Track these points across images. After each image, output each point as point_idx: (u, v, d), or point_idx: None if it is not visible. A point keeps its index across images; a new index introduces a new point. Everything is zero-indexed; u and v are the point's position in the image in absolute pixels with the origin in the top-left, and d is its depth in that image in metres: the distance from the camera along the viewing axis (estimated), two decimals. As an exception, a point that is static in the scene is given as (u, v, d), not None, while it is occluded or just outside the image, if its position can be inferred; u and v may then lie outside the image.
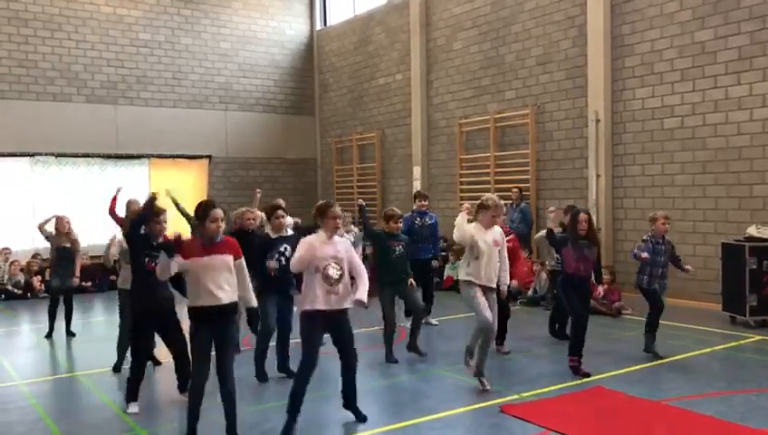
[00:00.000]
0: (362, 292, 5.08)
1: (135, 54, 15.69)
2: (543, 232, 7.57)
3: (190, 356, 5.07)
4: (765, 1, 9.28)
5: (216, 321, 4.77)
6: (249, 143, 17.20)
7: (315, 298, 4.98)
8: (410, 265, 9.05)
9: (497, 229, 6.11)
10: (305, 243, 5.01)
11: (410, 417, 5.37)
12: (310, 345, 5.03)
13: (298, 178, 18.08)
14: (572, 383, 6.24)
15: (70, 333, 9.00)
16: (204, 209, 4.86)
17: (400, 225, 7.52)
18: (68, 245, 8.99)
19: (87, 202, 14.60)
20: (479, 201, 6.09)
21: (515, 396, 5.90)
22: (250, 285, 5.07)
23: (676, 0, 10.25)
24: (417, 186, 14.65)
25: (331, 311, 5.00)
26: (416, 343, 7.31)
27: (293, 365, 6.48)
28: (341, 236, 5.58)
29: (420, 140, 14.80)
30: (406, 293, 7.34)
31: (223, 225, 4.85)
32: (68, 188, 14.78)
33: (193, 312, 4.80)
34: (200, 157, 16.44)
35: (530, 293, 10.83)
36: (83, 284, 13.06)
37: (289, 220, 8.12)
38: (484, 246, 5.91)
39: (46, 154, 14.61)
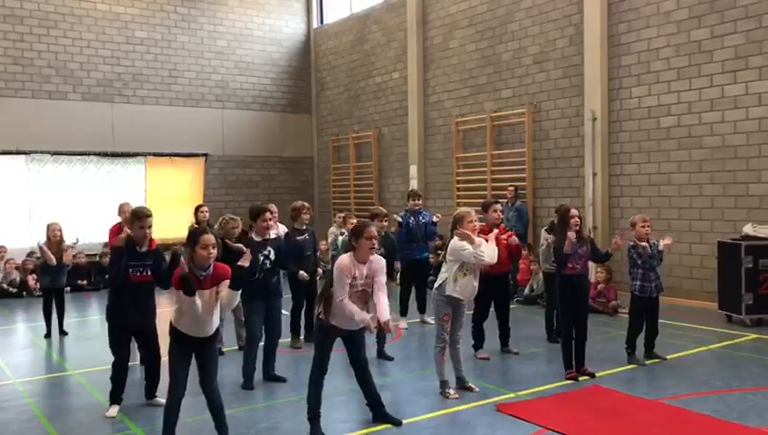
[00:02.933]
0: (381, 311, 4.85)
1: (131, 52, 15.66)
2: (544, 245, 7.48)
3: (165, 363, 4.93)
4: (761, 0, 9.29)
5: (197, 344, 4.65)
6: (245, 142, 17.18)
7: (341, 321, 4.91)
8: (405, 264, 9.09)
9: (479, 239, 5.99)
10: (342, 269, 4.83)
11: (406, 416, 5.36)
12: (321, 353, 5.03)
13: (295, 176, 18.06)
14: (569, 382, 6.24)
15: (62, 332, 8.97)
16: (194, 235, 4.58)
17: (385, 223, 7.48)
18: (58, 254, 8.82)
19: (83, 200, 14.61)
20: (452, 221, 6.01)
21: (512, 395, 5.90)
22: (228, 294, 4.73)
23: (672, -1, 10.27)
24: (413, 184, 14.65)
25: (346, 329, 5.00)
26: (383, 348, 7.30)
27: (282, 371, 6.55)
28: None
29: (417, 138, 14.80)
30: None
31: (214, 252, 4.55)
32: (64, 186, 14.75)
33: (175, 332, 4.65)
34: (196, 155, 16.42)
35: (527, 291, 10.83)
36: (79, 282, 13.07)
37: (282, 229, 8.16)
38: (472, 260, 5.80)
39: (42, 152, 14.58)
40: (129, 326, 5.63)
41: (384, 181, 16.07)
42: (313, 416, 5.00)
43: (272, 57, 17.63)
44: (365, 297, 4.98)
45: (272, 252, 6.44)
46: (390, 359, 7.22)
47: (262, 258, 6.35)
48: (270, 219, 6.54)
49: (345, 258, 4.93)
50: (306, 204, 8.14)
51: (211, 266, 4.59)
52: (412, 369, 6.94)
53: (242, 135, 17.12)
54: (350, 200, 16.62)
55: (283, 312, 9.72)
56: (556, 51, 11.94)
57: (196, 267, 4.55)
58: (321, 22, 18.17)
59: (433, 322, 9.04)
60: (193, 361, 4.73)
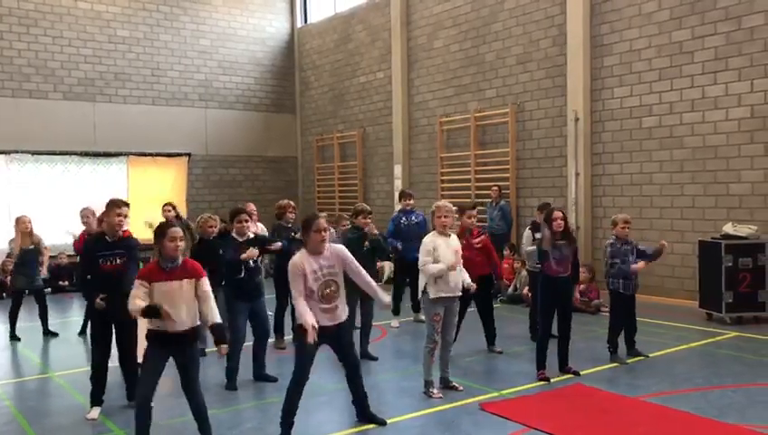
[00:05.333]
0: (380, 294, 5.13)
1: (113, 51, 15.52)
2: (534, 247, 7.50)
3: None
4: (741, 2, 9.39)
5: (174, 345, 4.57)
6: (229, 141, 17.09)
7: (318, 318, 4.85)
8: (398, 264, 9.10)
9: (454, 237, 5.97)
10: (293, 269, 4.78)
11: (391, 415, 5.36)
12: (303, 358, 4.92)
13: (279, 176, 18.00)
14: (552, 381, 6.27)
15: (49, 333, 8.87)
16: (161, 228, 4.62)
17: (369, 220, 7.49)
18: (31, 246, 8.75)
19: (64, 200, 14.43)
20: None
21: (495, 394, 5.92)
22: (213, 304, 4.68)
23: (654, 0, 10.35)
24: (398, 184, 14.65)
25: (327, 326, 4.91)
26: (367, 348, 7.30)
27: (271, 371, 6.52)
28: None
29: (401, 138, 14.81)
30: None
31: (182, 244, 4.59)
32: (45, 186, 14.58)
33: (151, 333, 4.59)
34: (179, 155, 16.30)
35: (510, 290, 10.87)
36: (60, 283, 12.93)
37: (260, 228, 8.19)
38: (448, 259, 5.72)
39: (22, 152, 14.40)
40: (107, 317, 5.50)
41: (369, 181, 16.06)
42: (285, 424, 4.93)
43: (255, 56, 17.56)
44: (334, 286, 4.92)
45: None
46: (374, 359, 7.21)
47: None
48: (246, 220, 6.54)
49: (296, 256, 4.89)
50: (291, 202, 8.14)
51: (179, 259, 4.59)
52: (398, 368, 6.94)
53: (225, 135, 17.03)
54: (335, 200, 16.60)
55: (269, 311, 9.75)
56: (539, 51, 11.99)
57: (164, 259, 4.56)
58: (306, 21, 18.12)
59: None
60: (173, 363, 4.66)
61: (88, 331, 8.75)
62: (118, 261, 5.49)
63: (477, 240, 7.20)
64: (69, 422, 5.49)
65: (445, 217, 5.82)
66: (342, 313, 5.03)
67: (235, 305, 6.37)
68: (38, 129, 14.47)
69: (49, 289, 10.98)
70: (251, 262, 6.39)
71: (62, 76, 14.92)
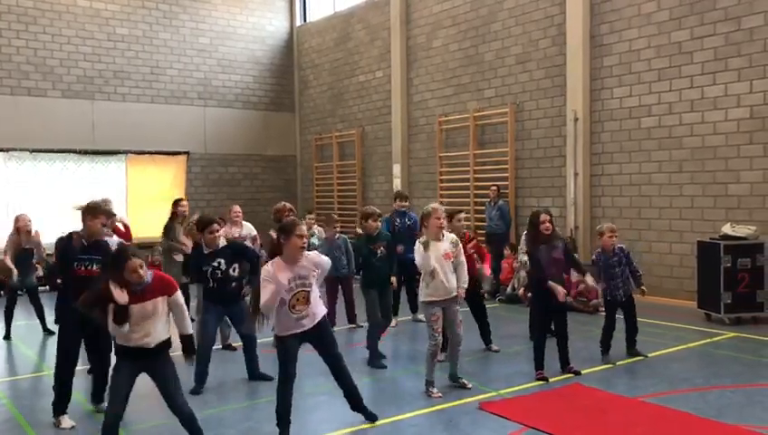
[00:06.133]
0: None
1: (112, 49, 15.49)
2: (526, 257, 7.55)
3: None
4: (740, 2, 9.40)
5: (142, 361, 4.41)
6: (228, 140, 17.07)
7: (288, 327, 4.81)
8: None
9: (448, 238, 5.92)
10: (267, 279, 4.57)
11: (389, 414, 5.37)
12: (286, 361, 4.88)
13: (278, 175, 17.99)
14: (551, 380, 6.27)
15: (48, 331, 8.85)
16: (117, 258, 4.40)
17: (379, 223, 7.47)
18: (28, 246, 8.58)
19: (62, 198, 14.39)
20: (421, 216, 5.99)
21: (494, 393, 5.92)
22: (186, 316, 4.62)
23: (653, 0, 10.35)
24: (397, 183, 14.65)
25: (307, 330, 4.88)
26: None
27: (265, 370, 6.50)
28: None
29: (400, 137, 14.80)
30: (386, 295, 7.28)
31: (143, 272, 4.32)
32: (43, 184, 14.56)
33: (119, 348, 4.44)
34: (178, 153, 16.29)
35: (508, 290, 10.88)
36: (58, 281, 12.90)
37: (247, 228, 8.20)
38: (437, 264, 5.75)
39: (21, 150, 14.38)
40: (78, 326, 5.22)
41: (367, 180, 16.05)
42: (283, 424, 4.92)
43: (255, 55, 17.54)
44: (304, 295, 4.78)
45: (222, 262, 6.30)
46: (383, 356, 7.14)
47: (210, 269, 6.27)
48: (217, 231, 6.44)
49: (268, 265, 4.68)
50: (289, 205, 8.12)
51: (147, 279, 4.38)
52: (397, 367, 6.94)
53: (224, 133, 17.01)
54: (334, 199, 16.59)
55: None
56: (539, 51, 11.99)
57: (132, 284, 4.35)
58: (305, 20, 18.10)
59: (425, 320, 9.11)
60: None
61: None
62: (94, 267, 5.28)
63: (470, 245, 7.27)
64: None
65: (442, 218, 5.82)
66: (318, 312, 4.94)
67: (207, 306, 6.36)
68: (37, 127, 14.44)
69: (45, 288, 10.94)
70: (219, 273, 6.28)
71: (60, 74, 14.90)
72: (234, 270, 6.35)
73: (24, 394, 6.42)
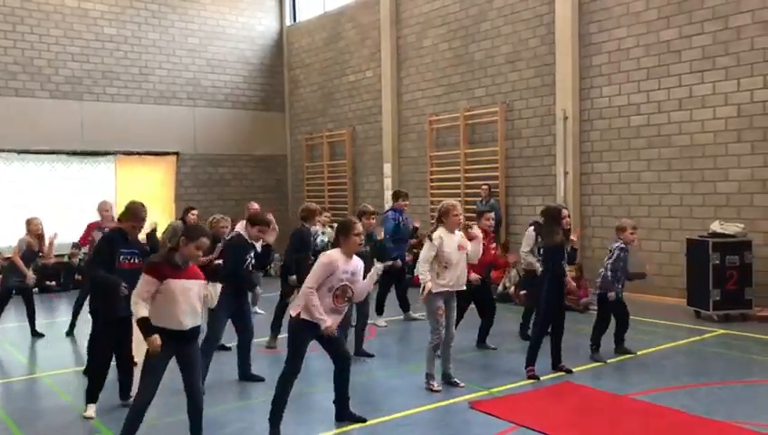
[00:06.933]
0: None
1: (101, 49, 15.40)
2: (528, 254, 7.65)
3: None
4: (727, 2, 9.46)
5: (175, 343, 4.50)
6: (218, 140, 17.01)
7: (325, 309, 4.90)
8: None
9: (459, 233, 6.04)
10: (328, 261, 4.91)
11: (380, 414, 5.37)
12: (296, 352, 4.95)
13: (268, 175, 17.95)
14: (542, 378, 6.29)
15: (36, 334, 8.79)
16: (195, 230, 4.75)
17: (373, 221, 7.52)
18: (38, 250, 8.64)
19: (51, 200, 14.33)
20: (437, 212, 6.08)
21: (485, 392, 5.94)
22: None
23: (642, -1, 10.41)
24: (387, 183, 14.66)
25: (327, 326, 4.94)
26: (361, 346, 7.37)
27: (257, 370, 6.50)
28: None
29: (391, 137, 14.80)
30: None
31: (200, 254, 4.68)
32: (32, 185, 14.47)
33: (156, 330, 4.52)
34: (168, 153, 16.23)
35: (499, 289, 10.88)
36: (47, 283, 12.84)
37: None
38: (454, 253, 5.89)
39: (8, 151, 14.28)
40: (115, 317, 5.43)
41: (358, 180, 16.05)
42: (275, 419, 4.93)
43: (244, 55, 17.49)
44: (350, 292, 5.03)
45: (252, 257, 6.46)
46: (371, 356, 7.25)
47: (249, 260, 6.44)
48: (265, 232, 6.55)
49: (334, 252, 5.00)
50: (255, 204, 8.28)
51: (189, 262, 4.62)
52: (387, 366, 6.95)
53: (214, 133, 16.95)
54: (325, 198, 16.57)
55: (259, 311, 9.73)
56: (528, 50, 12.03)
57: (181, 257, 4.55)
58: (295, 19, 18.07)
59: (420, 318, 9.11)
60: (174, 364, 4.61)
61: (75, 331, 8.77)
62: (136, 260, 5.53)
63: (493, 245, 7.48)
64: (59, 423, 5.45)
65: (460, 215, 5.99)
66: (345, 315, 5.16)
67: (221, 304, 6.33)
68: (24, 127, 14.34)
69: (36, 289, 10.86)
70: (251, 266, 6.47)
71: (48, 74, 14.80)
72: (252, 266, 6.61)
73: (14, 397, 6.37)
